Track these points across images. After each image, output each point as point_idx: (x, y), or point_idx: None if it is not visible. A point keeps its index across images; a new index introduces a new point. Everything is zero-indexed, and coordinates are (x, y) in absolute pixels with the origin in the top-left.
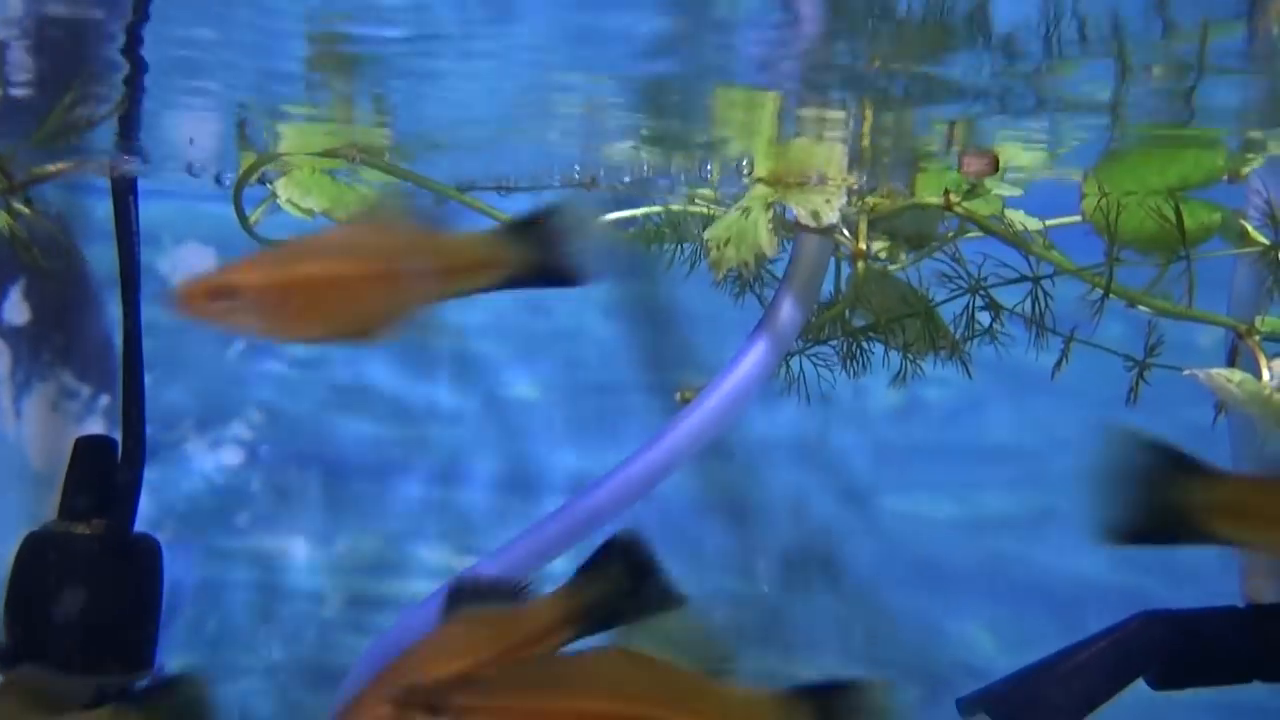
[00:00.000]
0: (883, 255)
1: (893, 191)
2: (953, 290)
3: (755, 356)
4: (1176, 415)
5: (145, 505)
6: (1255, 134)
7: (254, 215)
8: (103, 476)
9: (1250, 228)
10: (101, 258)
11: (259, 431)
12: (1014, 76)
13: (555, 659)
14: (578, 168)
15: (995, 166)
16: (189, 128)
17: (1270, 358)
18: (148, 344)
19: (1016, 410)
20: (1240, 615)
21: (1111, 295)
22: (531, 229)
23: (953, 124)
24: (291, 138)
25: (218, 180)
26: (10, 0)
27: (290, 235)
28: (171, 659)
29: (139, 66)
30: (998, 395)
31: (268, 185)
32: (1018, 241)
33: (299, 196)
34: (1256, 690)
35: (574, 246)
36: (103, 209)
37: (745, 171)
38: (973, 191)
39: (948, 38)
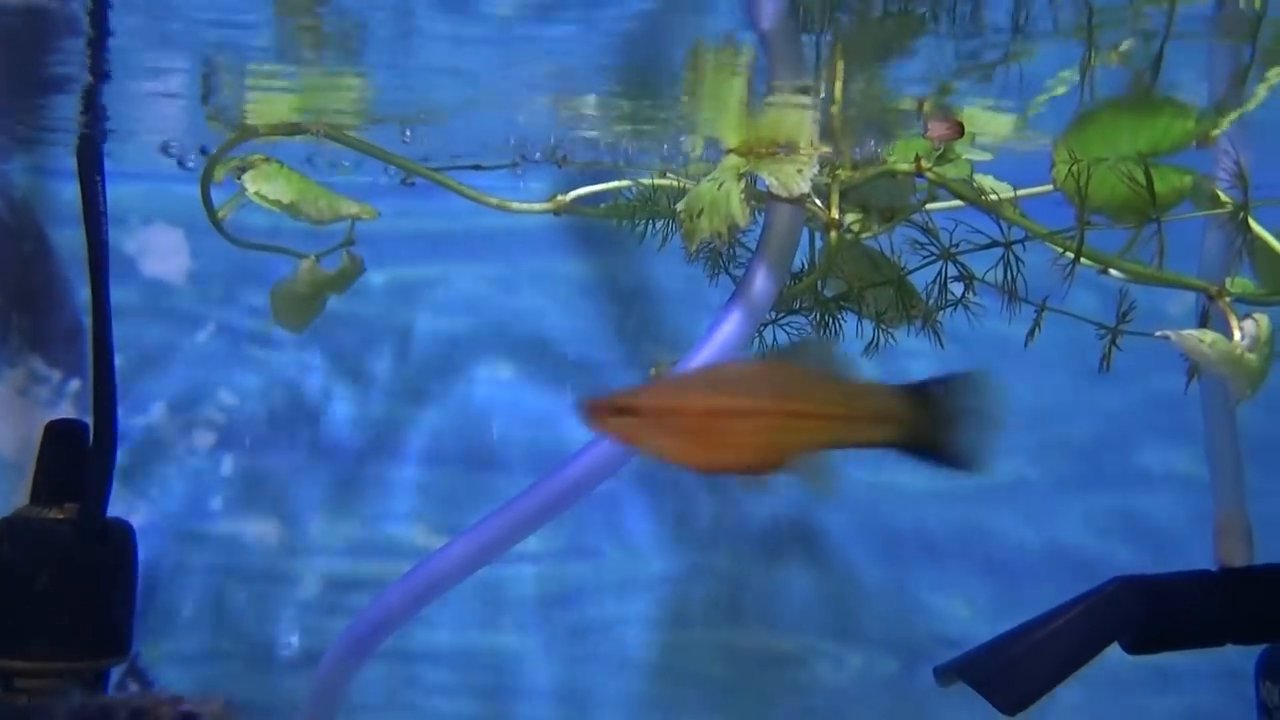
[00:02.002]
0: (855, 227)
1: (863, 161)
2: (925, 258)
3: (730, 327)
4: (1149, 383)
5: (118, 489)
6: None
7: (223, 210)
8: (74, 461)
9: (1219, 191)
10: (69, 240)
11: (231, 414)
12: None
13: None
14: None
15: (960, 131)
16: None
17: (1241, 318)
18: (117, 327)
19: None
20: (1213, 579)
21: (1083, 261)
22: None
23: (922, 99)
24: (259, 111)
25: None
26: None
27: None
28: (147, 644)
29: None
30: (969, 365)
31: (236, 181)
32: (989, 205)
33: (268, 190)
34: (1230, 653)
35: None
36: (69, 191)
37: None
38: (943, 157)
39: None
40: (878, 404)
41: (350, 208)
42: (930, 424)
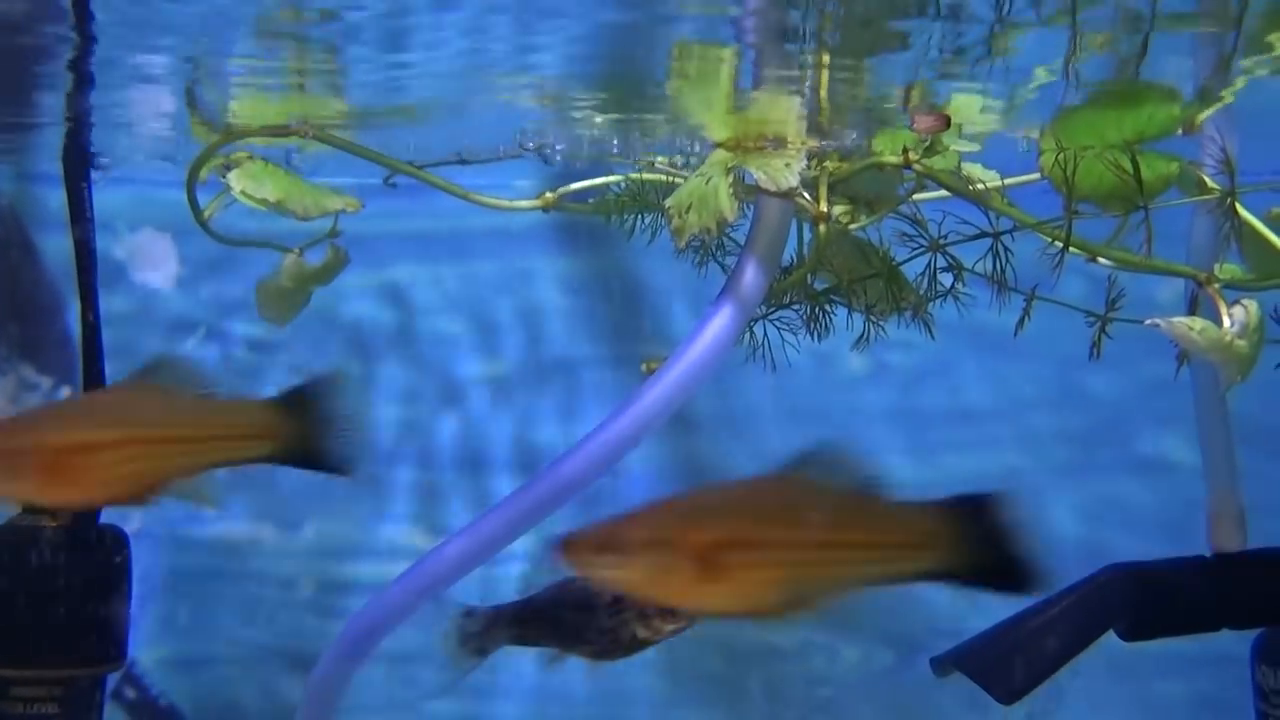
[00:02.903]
0: (844, 219)
1: (850, 154)
2: (914, 249)
3: (720, 323)
4: (1139, 370)
5: None
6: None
7: (209, 209)
8: None
9: (1206, 177)
10: (57, 247)
11: None
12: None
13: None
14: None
15: (947, 123)
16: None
17: (1229, 304)
18: (107, 333)
19: (980, 371)
20: (1207, 564)
21: (1071, 250)
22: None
23: (909, 86)
24: (243, 113)
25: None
26: None
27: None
28: (144, 650)
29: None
30: (961, 356)
31: (221, 179)
32: (977, 196)
33: (253, 188)
34: (1225, 638)
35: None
36: (56, 198)
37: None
38: (930, 148)
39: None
40: (245, 419)
41: (335, 202)
42: (305, 432)
